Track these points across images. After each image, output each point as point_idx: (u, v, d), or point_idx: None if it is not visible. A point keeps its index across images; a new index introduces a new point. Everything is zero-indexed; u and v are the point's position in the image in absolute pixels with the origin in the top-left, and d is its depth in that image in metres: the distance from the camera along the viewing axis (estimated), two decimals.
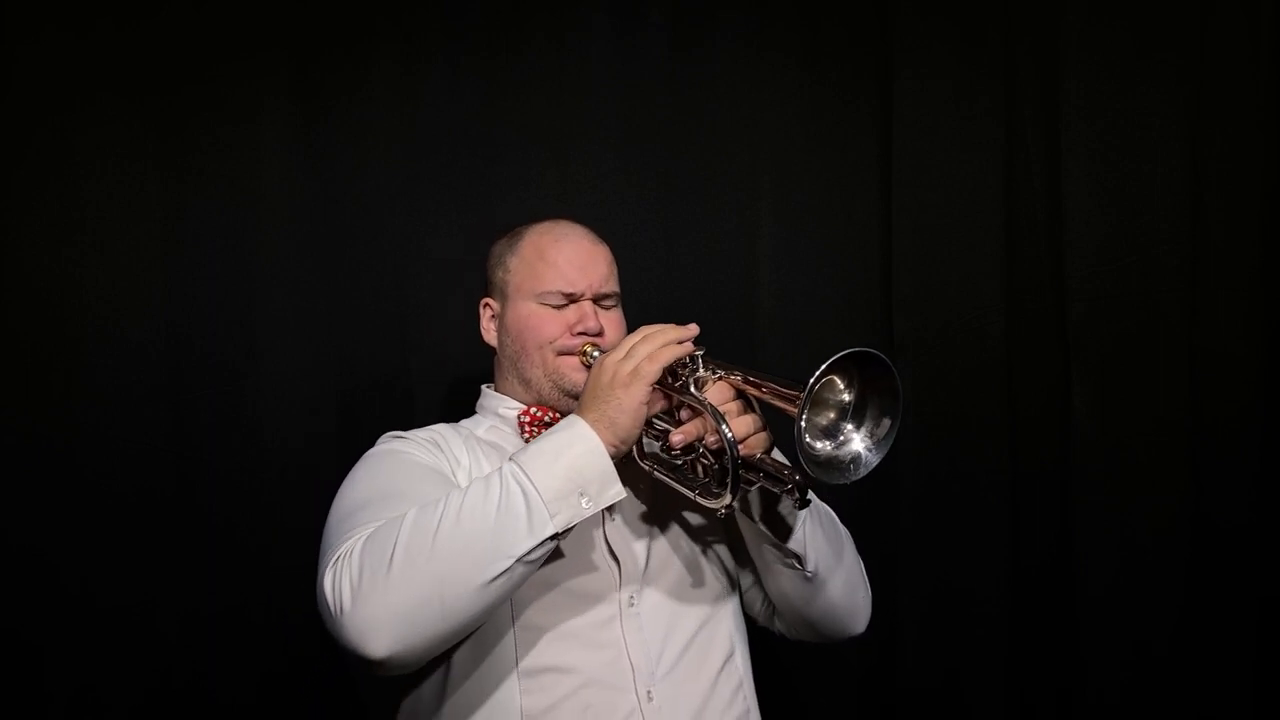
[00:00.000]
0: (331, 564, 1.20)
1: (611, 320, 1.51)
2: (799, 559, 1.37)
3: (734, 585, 1.52)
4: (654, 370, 1.26)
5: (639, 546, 1.43)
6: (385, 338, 2.00)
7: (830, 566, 1.41)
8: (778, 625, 1.55)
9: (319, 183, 1.97)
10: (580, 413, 1.28)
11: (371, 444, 1.47)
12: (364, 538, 1.20)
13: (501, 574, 1.16)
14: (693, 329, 1.31)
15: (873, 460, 1.23)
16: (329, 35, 1.96)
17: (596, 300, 1.51)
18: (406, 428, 1.51)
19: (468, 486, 1.23)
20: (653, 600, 1.40)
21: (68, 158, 1.87)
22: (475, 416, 1.60)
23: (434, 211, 2.01)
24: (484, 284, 1.60)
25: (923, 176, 2.07)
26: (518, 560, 1.17)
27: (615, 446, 1.25)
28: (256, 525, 1.91)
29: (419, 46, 2.00)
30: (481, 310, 1.59)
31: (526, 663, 1.32)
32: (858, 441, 1.24)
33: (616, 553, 1.41)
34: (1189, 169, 1.99)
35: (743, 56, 2.09)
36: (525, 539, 1.17)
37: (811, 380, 1.14)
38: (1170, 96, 1.99)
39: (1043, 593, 2.05)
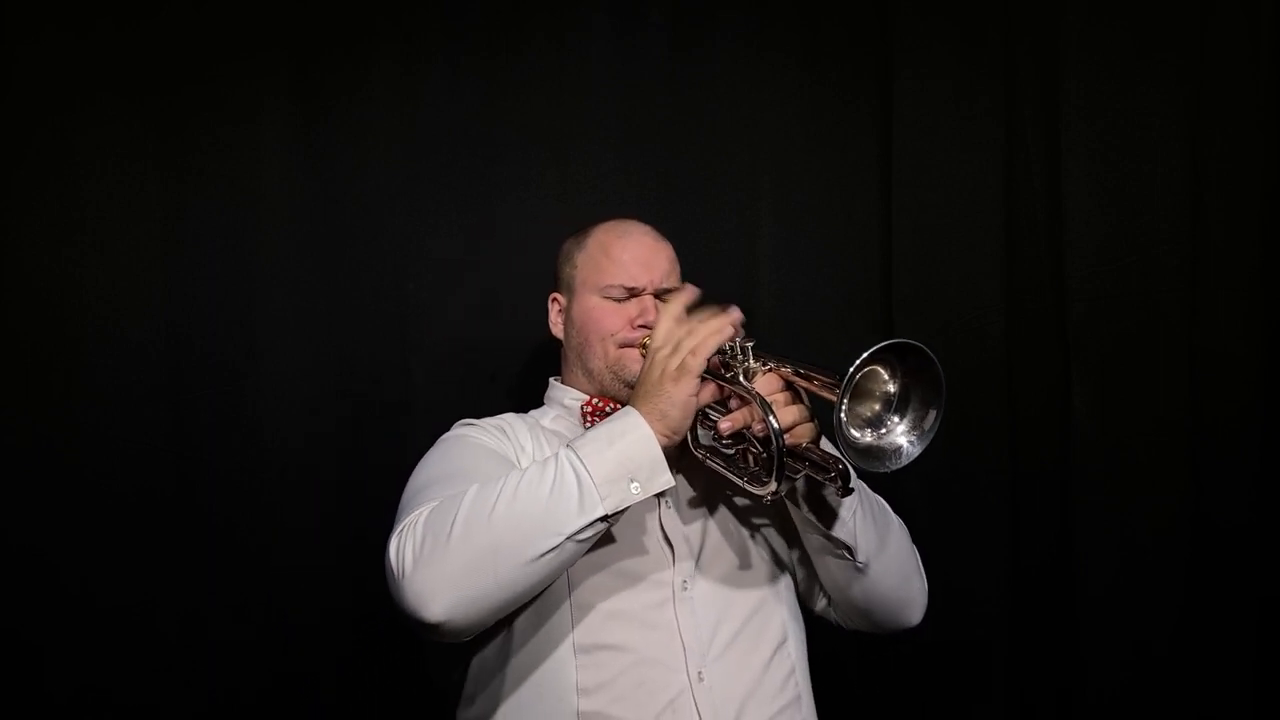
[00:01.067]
0: (397, 533, 1.27)
1: None
2: (848, 549, 1.40)
3: (787, 575, 1.54)
4: (698, 363, 1.30)
5: (693, 533, 1.47)
6: (385, 338, 1.99)
7: (880, 556, 1.44)
8: (833, 615, 1.57)
9: (319, 183, 1.97)
10: (634, 404, 1.32)
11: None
12: (429, 510, 1.27)
13: (551, 550, 1.22)
14: (736, 315, 1.34)
15: (914, 451, 1.26)
16: (329, 35, 1.96)
17: (658, 295, 1.56)
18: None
19: (526, 468, 1.29)
20: (706, 585, 1.43)
21: (68, 158, 1.87)
22: (543, 407, 1.66)
23: (434, 211, 2.01)
24: (553, 280, 1.66)
25: (923, 176, 2.07)
26: (567, 538, 1.23)
27: (666, 437, 1.29)
28: (256, 525, 1.91)
29: (419, 46, 2.00)
30: (550, 305, 1.66)
31: (582, 640, 1.37)
32: (900, 433, 1.27)
33: (670, 538, 1.44)
34: (1189, 169, 1.99)
35: (743, 56, 2.09)
36: (576, 518, 1.23)
37: (851, 369, 1.17)
38: (1170, 96, 1.99)
39: (1043, 593, 2.05)
